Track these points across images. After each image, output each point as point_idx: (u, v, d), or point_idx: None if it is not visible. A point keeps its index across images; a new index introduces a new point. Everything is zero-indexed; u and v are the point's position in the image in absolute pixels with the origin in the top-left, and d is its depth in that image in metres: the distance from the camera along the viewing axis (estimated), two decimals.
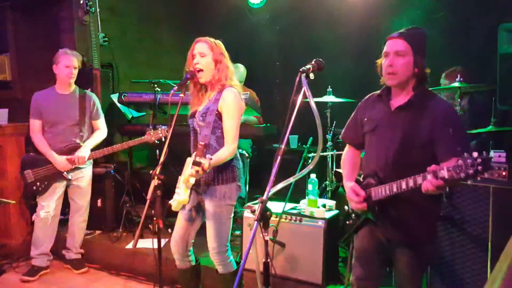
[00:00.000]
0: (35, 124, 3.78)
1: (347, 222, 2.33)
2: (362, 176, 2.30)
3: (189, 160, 2.74)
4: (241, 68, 4.92)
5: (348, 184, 2.26)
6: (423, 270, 2.29)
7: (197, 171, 2.40)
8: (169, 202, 2.67)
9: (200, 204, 2.77)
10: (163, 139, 3.62)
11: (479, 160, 1.68)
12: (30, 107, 3.79)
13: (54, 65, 3.75)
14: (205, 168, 2.39)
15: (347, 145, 2.47)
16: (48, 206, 3.77)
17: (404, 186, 1.97)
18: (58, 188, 3.80)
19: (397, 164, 2.09)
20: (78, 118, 3.79)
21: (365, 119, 2.28)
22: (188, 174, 2.48)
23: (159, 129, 3.63)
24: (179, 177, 2.72)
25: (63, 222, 4.07)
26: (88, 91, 3.97)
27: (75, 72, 3.79)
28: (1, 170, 4.26)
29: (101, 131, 3.95)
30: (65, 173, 3.74)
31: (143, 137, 3.67)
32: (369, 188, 2.17)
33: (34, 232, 3.83)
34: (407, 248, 2.14)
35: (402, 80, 2.11)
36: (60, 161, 3.70)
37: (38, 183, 3.73)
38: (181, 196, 2.61)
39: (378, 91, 2.28)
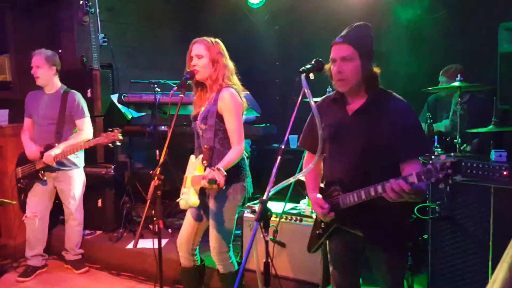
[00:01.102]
0: (25, 122, 3.86)
1: (317, 232, 2.29)
2: (324, 183, 2.24)
3: (193, 159, 2.74)
4: None
5: (312, 196, 2.21)
6: (402, 268, 2.27)
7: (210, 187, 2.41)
8: (177, 200, 2.68)
9: (207, 203, 2.77)
10: (118, 143, 3.52)
11: (448, 163, 1.66)
12: None
13: None
14: (222, 185, 2.38)
15: (307, 152, 2.42)
16: (33, 206, 3.76)
17: (373, 193, 1.92)
18: (42, 188, 3.75)
19: (362, 169, 2.05)
20: (56, 117, 3.72)
21: (322, 124, 2.20)
22: (202, 183, 2.46)
23: (114, 131, 3.48)
24: (185, 176, 2.72)
25: (63, 222, 4.08)
26: (73, 90, 3.86)
27: (40, 71, 3.70)
28: (2, 170, 4.26)
29: (83, 132, 3.78)
30: (41, 172, 3.68)
31: (97, 138, 3.57)
32: (335, 196, 2.12)
33: (26, 234, 3.84)
34: (383, 250, 2.13)
35: (353, 85, 2.07)
36: (30, 148, 3.68)
37: (22, 181, 3.76)
38: (191, 199, 2.61)
39: (332, 94, 2.24)
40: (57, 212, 4.07)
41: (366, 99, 2.09)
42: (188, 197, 2.62)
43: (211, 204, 2.71)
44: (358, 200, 2.01)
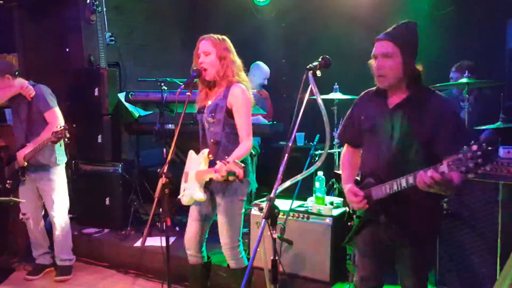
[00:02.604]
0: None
1: (349, 224, 2.31)
2: (360, 175, 2.26)
3: (193, 155, 2.75)
4: (264, 66, 4.92)
5: (347, 187, 2.23)
6: (427, 268, 2.27)
7: (226, 178, 2.38)
8: (178, 197, 2.69)
9: (212, 199, 2.78)
10: (66, 140, 3.40)
11: (478, 153, 1.65)
12: None
13: None
14: (242, 177, 2.35)
15: (345, 145, 2.43)
16: (22, 208, 3.72)
17: (404, 184, 1.94)
18: (27, 189, 3.69)
19: (397, 162, 2.06)
20: (25, 116, 3.60)
21: (362, 117, 2.24)
22: (214, 176, 2.46)
23: (62, 128, 3.34)
24: (185, 171, 2.73)
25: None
26: (39, 84, 3.67)
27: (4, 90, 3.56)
28: None
29: (51, 126, 3.53)
30: (19, 172, 3.62)
31: (46, 138, 3.41)
32: (369, 187, 2.14)
33: (29, 234, 3.84)
34: (410, 247, 2.13)
35: (393, 81, 2.08)
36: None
37: (9, 181, 3.70)
38: (196, 194, 2.62)
39: (374, 88, 2.24)
40: None
41: (408, 94, 2.09)
42: (194, 192, 2.63)
43: (219, 200, 2.72)
44: (389, 191, 2.02)
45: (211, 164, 2.62)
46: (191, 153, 2.81)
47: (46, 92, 3.66)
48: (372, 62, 2.12)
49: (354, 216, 2.28)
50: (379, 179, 2.10)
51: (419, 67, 2.10)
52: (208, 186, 2.73)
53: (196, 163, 2.70)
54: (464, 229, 2.84)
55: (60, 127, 3.35)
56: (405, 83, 2.09)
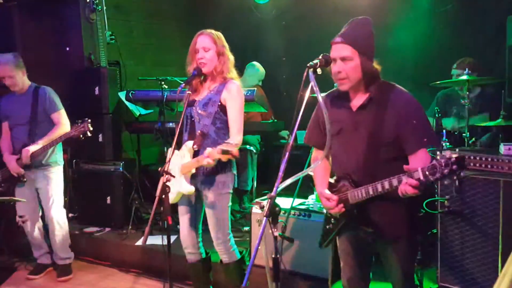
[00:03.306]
0: (3, 127, 3.76)
1: (327, 227, 2.31)
2: (334, 178, 2.25)
3: (176, 153, 2.74)
4: (259, 67, 4.92)
5: (320, 191, 2.22)
6: (411, 262, 2.27)
7: (216, 159, 2.43)
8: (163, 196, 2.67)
9: (199, 194, 2.79)
10: (88, 134, 3.43)
11: (453, 159, 1.67)
12: None
13: None
14: (237, 155, 2.41)
15: (314, 148, 2.42)
16: (20, 211, 3.70)
17: (380, 189, 1.95)
18: (25, 191, 3.67)
19: (369, 164, 2.06)
20: (29, 116, 3.61)
21: (329, 120, 2.23)
22: (205, 162, 2.49)
23: (84, 122, 3.38)
24: (169, 169, 2.71)
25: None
26: (43, 86, 3.71)
27: (13, 80, 3.56)
28: None
29: (59, 126, 3.61)
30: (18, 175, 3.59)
31: (67, 132, 3.48)
32: (344, 191, 2.14)
33: (27, 237, 3.83)
34: (391, 244, 2.14)
35: (354, 83, 2.08)
36: (9, 161, 3.57)
37: (4, 184, 3.65)
38: (183, 187, 2.63)
39: (335, 91, 2.24)
40: None
41: (370, 94, 2.09)
42: (181, 186, 2.64)
43: (206, 194, 2.74)
44: (366, 196, 2.02)
45: (196, 155, 2.64)
46: (171, 151, 2.79)
47: (53, 93, 3.70)
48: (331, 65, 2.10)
49: (332, 219, 2.28)
50: (353, 183, 2.09)
51: (377, 66, 2.09)
52: (195, 180, 2.73)
53: (179, 157, 2.70)
54: (465, 226, 2.84)
55: (81, 121, 3.39)
56: (365, 82, 2.09)
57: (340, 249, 2.34)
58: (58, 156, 3.76)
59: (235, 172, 2.80)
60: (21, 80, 3.63)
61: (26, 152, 3.49)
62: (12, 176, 3.61)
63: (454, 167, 1.67)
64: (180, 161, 2.69)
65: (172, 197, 2.69)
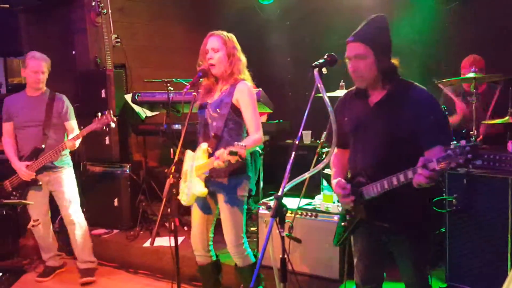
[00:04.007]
0: (4, 128, 3.73)
1: (342, 224, 2.30)
2: (350, 175, 2.26)
3: (190, 153, 2.75)
4: None
5: (334, 181, 2.23)
6: (426, 261, 2.25)
7: (226, 160, 2.42)
8: (177, 197, 2.68)
9: (213, 197, 2.79)
10: (112, 125, 3.47)
11: (467, 148, 1.67)
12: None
13: (23, 68, 3.69)
14: (244, 156, 2.42)
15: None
16: (34, 215, 3.69)
17: (395, 182, 1.95)
18: (38, 195, 3.66)
19: (385, 160, 2.06)
20: (43, 120, 3.62)
21: (346, 118, 2.24)
22: (215, 163, 2.49)
23: (105, 114, 3.43)
24: (183, 170, 2.73)
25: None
26: (59, 94, 3.77)
27: (43, 77, 3.64)
28: None
29: (75, 131, 3.69)
30: (31, 180, 3.57)
31: (90, 125, 3.49)
32: (359, 186, 2.14)
33: (37, 240, 3.84)
34: (407, 242, 2.13)
35: (369, 80, 2.09)
36: (19, 168, 3.56)
37: (15, 193, 3.62)
38: (197, 189, 2.62)
39: (353, 88, 2.25)
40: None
41: (388, 90, 2.10)
42: (194, 188, 2.63)
43: (220, 197, 2.73)
44: (381, 190, 2.02)
45: (210, 157, 2.63)
46: (188, 152, 2.81)
47: (69, 102, 3.78)
48: (347, 63, 2.12)
49: (347, 216, 2.27)
50: (369, 178, 2.09)
51: (395, 60, 2.10)
52: (209, 183, 2.73)
53: (194, 159, 2.71)
54: (473, 225, 2.82)
55: (102, 113, 3.43)
56: (382, 80, 2.09)
57: (355, 247, 2.34)
58: (68, 158, 3.79)
59: (251, 174, 2.77)
60: (44, 82, 3.70)
61: (71, 143, 3.49)
62: (24, 182, 3.59)
63: (469, 156, 1.67)
64: (193, 163, 2.68)
65: (186, 199, 2.69)
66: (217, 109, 2.69)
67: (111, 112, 3.47)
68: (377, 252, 2.27)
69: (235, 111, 2.68)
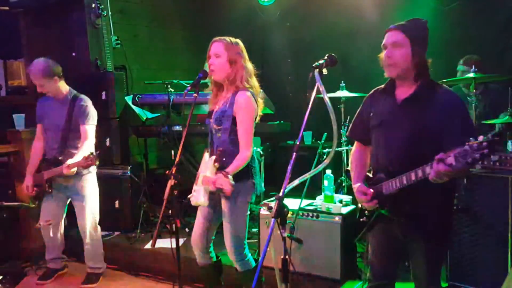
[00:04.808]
0: (37, 129, 3.74)
1: (361, 220, 2.31)
2: (372, 172, 2.27)
3: (207, 158, 2.76)
4: None
5: (356, 186, 2.24)
6: (440, 262, 2.26)
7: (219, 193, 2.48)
8: (188, 196, 2.68)
9: (218, 201, 2.78)
10: (93, 167, 3.40)
11: (484, 143, 1.67)
12: None
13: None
14: (228, 194, 2.47)
15: (355, 142, 2.44)
16: (45, 215, 3.68)
17: (413, 177, 1.95)
18: (55, 197, 3.64)
19: (408, 157, 2.06)
20: (62, 124, 3.54)
21: (371, 114, 2.25)
22: (210, 188, 2.53)
23: (94, 156, 3.27)
24: (198, 172, 2.74)
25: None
26: (82, 95, 3.65)
27: (43, 88, 3.53)
28: (20, 174, 4.32)
29: (87, 142, 3.51)
30: (47, 184, 3.52)
31: (78, 160, 3.31)
32: (380, 183, 2.15)
33: (44, 240, 3.82)
34: (424, 242, 2.12)
35: (402, 70, 2.09)
36: (25, 182, 3.55)
37: (35, 188, 3.61)
38: (200, 198, 2.62)
39: (383, 85, 2.26)
40: (74, 213, 4.04)
41: (415, 88, 2.10)
42: (198, 196, 2.63)
43: (223, 204, 2.71)
44: (400, 185, 2.03)
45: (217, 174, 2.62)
46: (206, 155, 2.79)
47: (89, 105, 3.61)
48: (381, 54, 2.13)
49: (366, 212, 2.28)
50: (390, 175, 2.10)
51: (429, 60, 2.12)
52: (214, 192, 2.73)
53: (206, 167, 2.69)
54: (474, 224, 2.83)
55: (92, 154, 3.30)
56: (413, 75, 2.10)
57: (371, 243, 2.34)
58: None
59: (255, 180, 2.73)
60: (53, 88, 3.56)
61: (66, 169, 3.37)
62: (42, 184, 3.56)
63: (486, 151, 1.66)
64: (205, 172, 2.64)
65: (193, 201, 2.67)
66: (218, 121, 2.67)
67: (96, 155, 3.31)
68: (392, 249, 2.27)
69: (236, 123, 2.64)
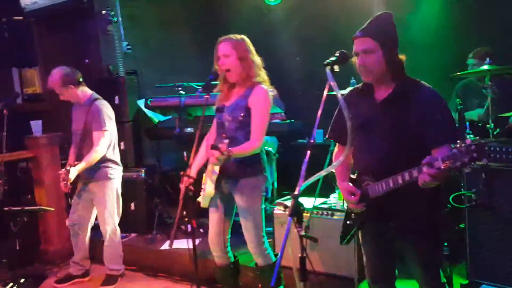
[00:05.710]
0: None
1: (347, 223, 2.29)
2: (355, 174, 2.24)
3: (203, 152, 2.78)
4: None
5: (343, 185, 2.21)
6: (437, 259, 2.22)
7: (217, 157, 2.40)
8: (198, 199, 2.71)
9: (230, 198, 2.80)
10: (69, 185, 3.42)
11: (473, 147, 1.65)
12: None
13: None
14: (223, 150, 2.38)
15: (336, 144, 2.41)
16: (71, 216, 3.76)
17: (400, 181, 1.93)
18: (81, 198, 3.72)
19: (391, 158, 2.04)
20: (81, 129, 3.61)
21: (350, 115, 2.21)
22: (210, 164, 2.52)
23: (64, 172, 3.37)
24: (204, 174, 2.76)
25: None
26: (99, 101, 3.67)
27: (63, 96, 3.63)
28: (38, 179, 4.39)
29: (96, 149, 3.52)
30: (65, 182, 3.49)
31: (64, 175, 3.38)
32: (365, 186, 2.12)
33: (71, 238, 3.89)
34: (413, 241, 2.11)
35: (378, 75, 2.07)
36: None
37: (70, 185, 3.57)
38: (207, 188, 2.64)
39: (359, 85, 2.23)
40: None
41: (393, 88, 2.08)
42: (205, 188, 2.66)
43: (238, 199, 2.74)
44: (386, 189, 2.00)
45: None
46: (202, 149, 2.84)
47: (104, 110, 3.62)
48: (354, 59, 2.11)
49: (352, 215, 2.25)
50: (374, 177, 2.07)
51: (402, 57, 2.08)
52: (226, 184, 2.74)
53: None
54: (493, 220, 2.78)
55: (65, 169, 3.38)
56: (390, 75, 2.07)
57: (362, 245, 2.32)
58: (110, 170, 3.69)
59: (267, 174, 2.77)
60: (72, 95, 3.63)
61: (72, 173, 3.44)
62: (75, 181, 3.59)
63: (475, 155, 1.65)
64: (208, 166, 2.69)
65: (203, 201, 2.71)
66: (232, 113, 2.69)
67: (68, 170, 3.38)
68: (385, 250, 2.24)
69: (250, 115, 2.67)
